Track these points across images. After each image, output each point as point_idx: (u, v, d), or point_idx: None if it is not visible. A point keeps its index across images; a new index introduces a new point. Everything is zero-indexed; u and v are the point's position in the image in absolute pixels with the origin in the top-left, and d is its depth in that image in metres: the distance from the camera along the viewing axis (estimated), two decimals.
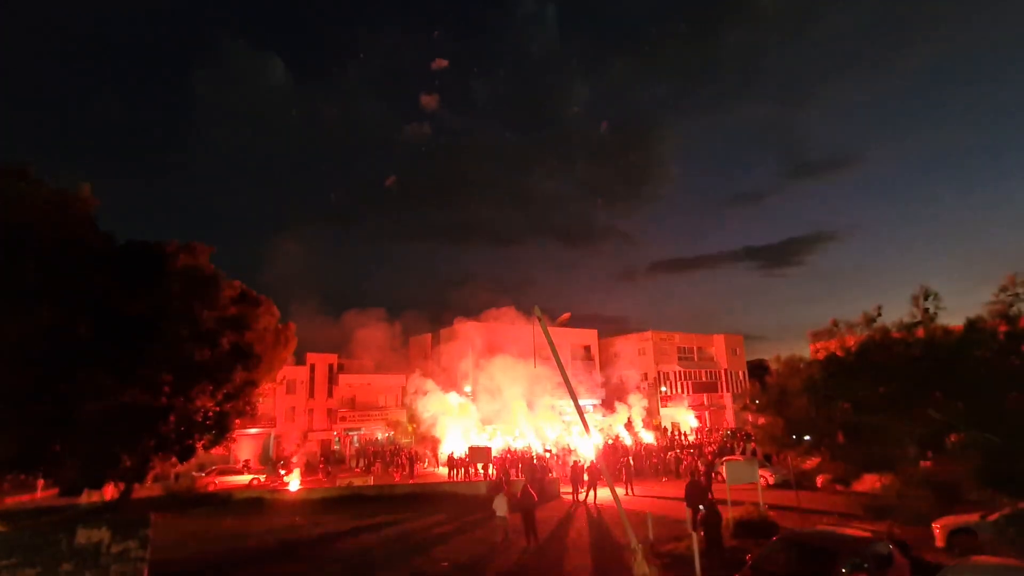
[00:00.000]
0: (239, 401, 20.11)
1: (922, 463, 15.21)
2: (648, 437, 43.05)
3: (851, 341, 15.10)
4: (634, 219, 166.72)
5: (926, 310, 13.56)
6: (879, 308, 14.27)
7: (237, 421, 20.76)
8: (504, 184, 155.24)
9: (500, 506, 16.08)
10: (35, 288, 15.16)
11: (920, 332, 13.71)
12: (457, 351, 45.57)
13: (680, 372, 55.94)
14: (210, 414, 19.15)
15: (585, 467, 23.90)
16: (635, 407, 47.28)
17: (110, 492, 22.14)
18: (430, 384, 42.06)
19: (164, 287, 17.74)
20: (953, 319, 14.10)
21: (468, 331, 45.99)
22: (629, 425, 45.03)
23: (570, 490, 23.75)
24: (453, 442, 37.35)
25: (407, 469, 33.61)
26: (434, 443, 39.04)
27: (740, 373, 59.73)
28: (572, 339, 54.29)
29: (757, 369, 54.99)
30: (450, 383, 43.32)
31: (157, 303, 17.36)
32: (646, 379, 54.60)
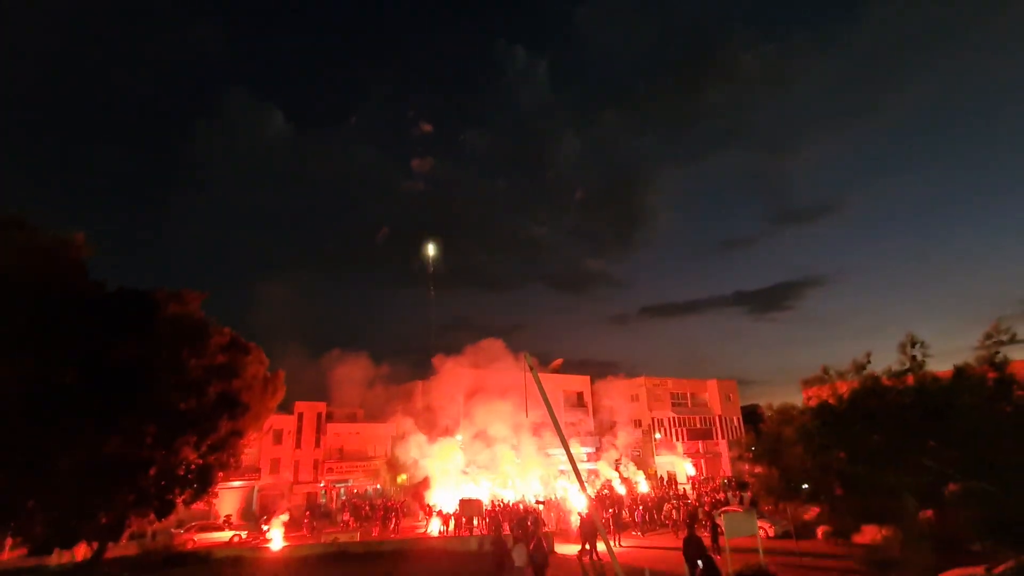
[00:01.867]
0: (223, 453, 19.55)
1: (922, 514, 14.97)
2: (643, 486, 42.03)
3: (843, 388, 15.15)
4: (625, 264, 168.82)
5: (914, 357, 13.73)
6: (868, 355, 14.44)
7: (220, 474, 20.11)
8: (496, 231, 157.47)
9: (520, 556, 15.75)
10: (22, 335, 14.97)
11: (910, 379, 13.82)
12: (446, 397, 44.86)
13: (674, 419, 55.24)
14: (192, 467, 18.57)
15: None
16: (628, 456, 46.32)
17: (82, 551, 21.04)
18: (418, 433, 41.16)
19: (152, 335, 17.56)
20: (942, 362, 14.29)
21: (456, 375, 45.44)
22: (621, 475, 44.04)
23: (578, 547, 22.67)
24: (443, 493, 36.21)
25: (393, 523, 32.38)
26: (422, 494, 37.84)
27: (735, 419, 59.07)
28: (564, 385, 53.73)
29: (752, 415, 54.54)
30: (439, 431, 42.44)
31: (144, 351, 17.13)
32: (639, 426, 53.83)
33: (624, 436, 48.78)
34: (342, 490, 43.91)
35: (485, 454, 40.62)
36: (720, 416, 58.94)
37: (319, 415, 44.44)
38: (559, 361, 56.49)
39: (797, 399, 17.74)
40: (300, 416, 43.58)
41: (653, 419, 54.29)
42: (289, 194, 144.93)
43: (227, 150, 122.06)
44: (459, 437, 42.47)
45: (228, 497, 38.68)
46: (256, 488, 40.91)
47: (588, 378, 56.56)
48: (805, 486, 16.47)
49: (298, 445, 43.08)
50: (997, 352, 13.56)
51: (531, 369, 12.52)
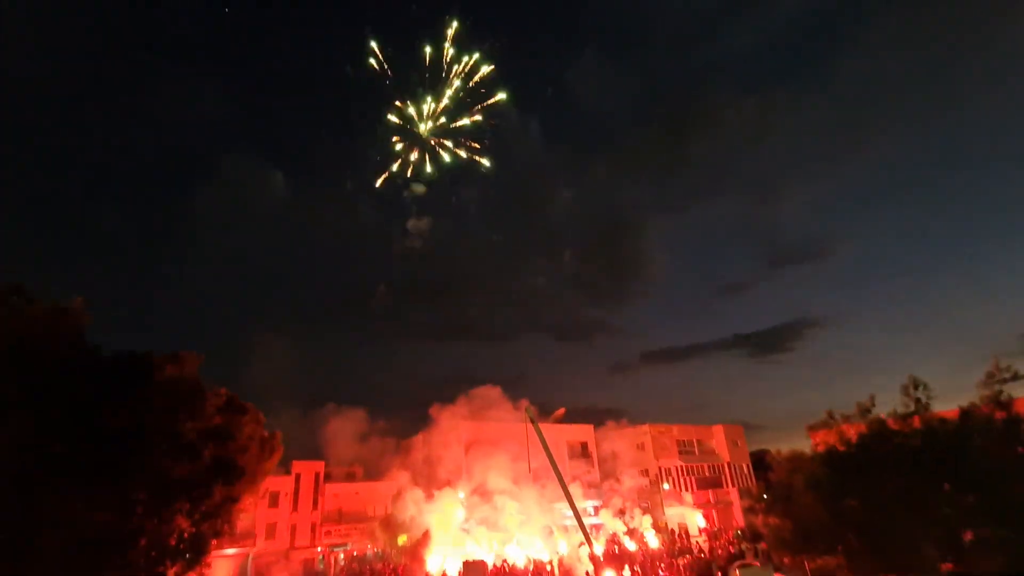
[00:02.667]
0: (217, 520, 18.90)
1: (942, 565, 14.36)
2: (653, 541, 40.40)
3: (850, 432, 14.90)
4: (624, 311, 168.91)
5: (918, 400, 13.58)
6: (872, 398, 14.29)
7: (214, 542, 19.36)
8: (494, 282, 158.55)
9: None
10: (15, 403, 14.80)
11: (916, 422, 13.62)
12: (445, 448, 43.79)
13: (682, 467, 53.75)
14: (185, 535, 17.89)
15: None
16: (636, 508, 44.76)
17: None
18: (416, 489, 39.93)
19: (147, 399, 17.35)
20: (945, 400, 14.15)
21: (455, 426, 44.57)
22: (628, 526, 42.42)
23: None
24: (444, 553, 34.71)
25: None
26: (422, 556, 36.25)
27: (744, 466, 57.50)
28: (567, 436, 52.54)
29: (761, 461, 53.15)
30: (439, 484, 41.18)
31: (138, 416, 16.88)
32: (647, 475, 52.30)
33: (630, 485, 47.28)
34: (341, 555, 42.13)
35: (486, 509, 39.29)
36: (729, 463, 57.47)
37: (317, 475, 43.25)
38: (561, 411, 55.47)
39: (804, 443, 17.42)
40: (297, 477, 42.39)
41: (660, 468, 52.86)
42: (288, 252, 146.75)
43: (227, 209, 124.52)
44: (460, 494, 41.20)
45: (221, 566, 37.02)
46: (251, 556, 39.25)
47: (591, 427, 55.43)
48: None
49: (295, 507, 41.68)
50: (1001, 391, 13.45)
51: (532, 420, 12.29)
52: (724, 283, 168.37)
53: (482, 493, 39.88)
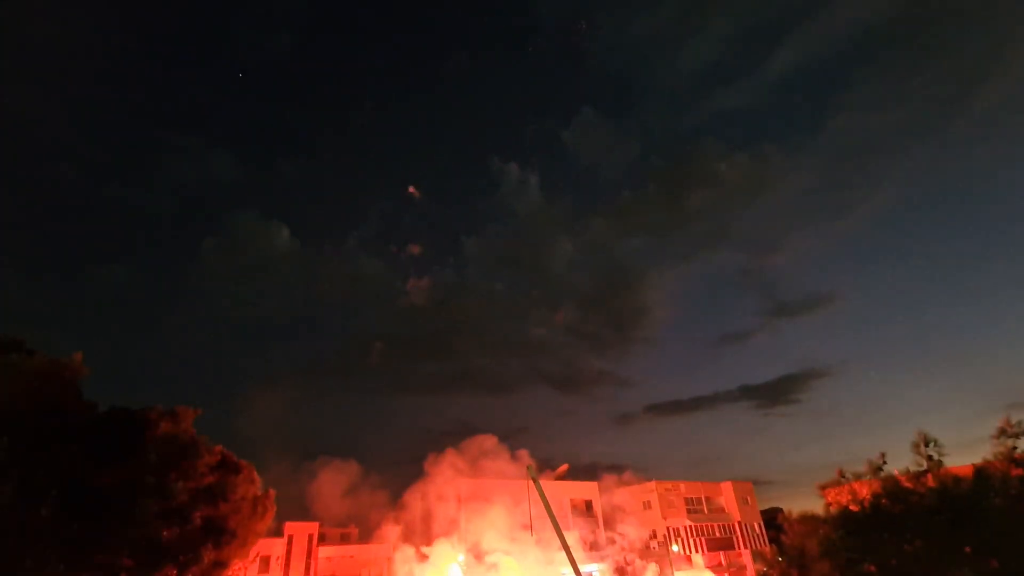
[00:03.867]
0: None
1: None
2: None
3: (862, 492, 14.44)
4: (627, 363, 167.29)
5: (930, 457, 13.25)
6: (883, 456, 13.93)
7: None
8: (495, 334, 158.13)
9: None
10: (5, 460, 14.48)
11: (930, 480, 13.22)
12: (442, 509, 42.22)
13: (691, 527, 51.62)
14: None
15: None
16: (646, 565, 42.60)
17: None
18: (409, 550, 38.24)
19: (139, 457, 16.97)
20: (959, 451, 13.89)
21: (454, 482, 43.16)
22: None
23: None
24: None
25: None
26: None
27: (755, 525, 55.22)
28: (571, 493, 50.77)
29: (772, 520, 51.11)
30: (436, 547, 39.44)
31: (129, 475, 16.45)
32: (655, 536, 50.13)
33: (634, 539, 45.21)
34: None
35: (483, 569, 37.47)
36: (740, 522, 55.23)
37: (310, 537, 41.51)
38: (564, 467, 53.88)
39: (815, 500, 16.86)
40: (290, 539, 40.67)
41: (668, 528, 50.75)
42: (290, 306, 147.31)
43: (232, 265, 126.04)
44: (460, 556, 39.42)
45: None
46: None
47: (596, 484, 53.64)
48: None
49: (287, 573, 39.76)
50: (1015, 447, 13.15)
51: (534, 479, 11.96)
52: (727, 334, 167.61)
53: (479, 553, 38.19)
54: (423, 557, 38.07)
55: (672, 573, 47.06)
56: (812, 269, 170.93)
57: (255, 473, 21.04)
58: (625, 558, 43.43)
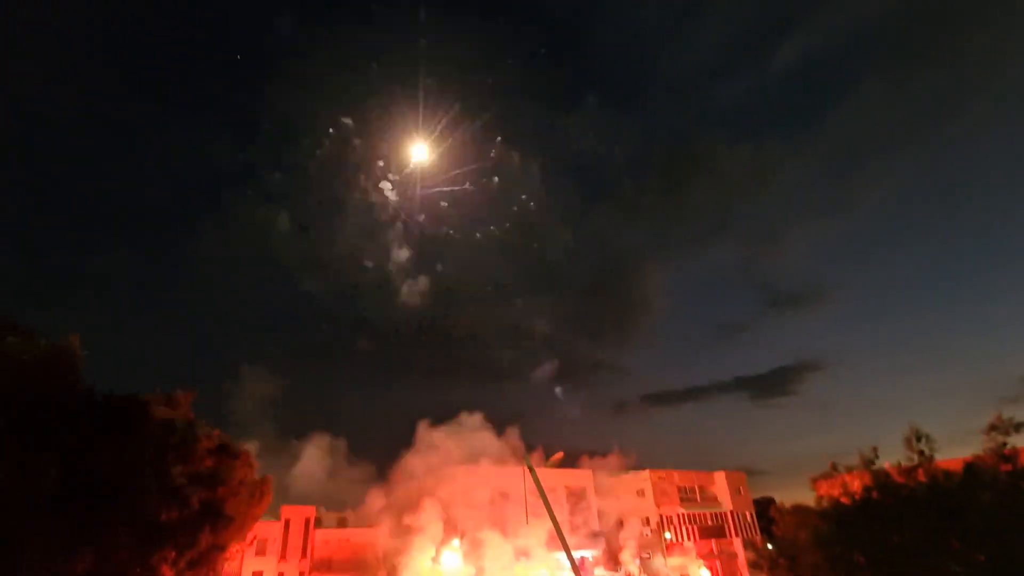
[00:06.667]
0: (203, 568, 18.25)
1: None
2: None
3: (854, 484, 14.61)
4: (623, 353, 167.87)
5: (921, 452, 13.40)
6: (875, 450, 14.09)
7: None
8: (494, 322, 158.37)
9: None
10: (4, 443, 14.54)
11: (921, 475, 13.38)
12: (438, 497, 42.58)
13: (684, 515, 52.21)
14: None
15: None
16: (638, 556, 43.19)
17: None
18: (413, 539, 38.62)
19: (138, 440, 17.04)
20: (950, 444, 14.02)
21: (451, 471, 43.49)
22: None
23: None
24: None
25: None
26: None
27: (748, 514, 55.85)
28: (566, 481, 51.24)
29: (764, 510, 51.73)
30: (433, 536, 39.86)
31: (128, 458, 16.54)
32: (648, 524, 50.72)
33: (632, 536, 45.87)
34: None
35: (483, 560, 37.92)
36: (732, 512, 55.87)
37: (307, 521, 41.89)
38: (559, 455, 54.23)
39: (807, 491, 17.08)
40: (287, 523, 41.04)
41: (662, 516, 51.35)
42: (289, 290, 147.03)
43: (231, 249, 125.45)
44: (455, 542, 39.88)
45: None
46: None
47: (591, 472, 54.13)
48: None
49: (283, 556, 40.17)
50: (1005, 443, 13.30)
51: (530, 469, 12.07)
52: (724, 325, 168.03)
53: (473, 539, 38.64)
54: (413, 534, 38.45)
55: (665, 559, 47.77)
56: (810, 262, 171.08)
57: (252, 459, 21.21)
58: (618, 544, 43.99)
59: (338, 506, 46.31)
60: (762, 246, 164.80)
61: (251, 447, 22.07)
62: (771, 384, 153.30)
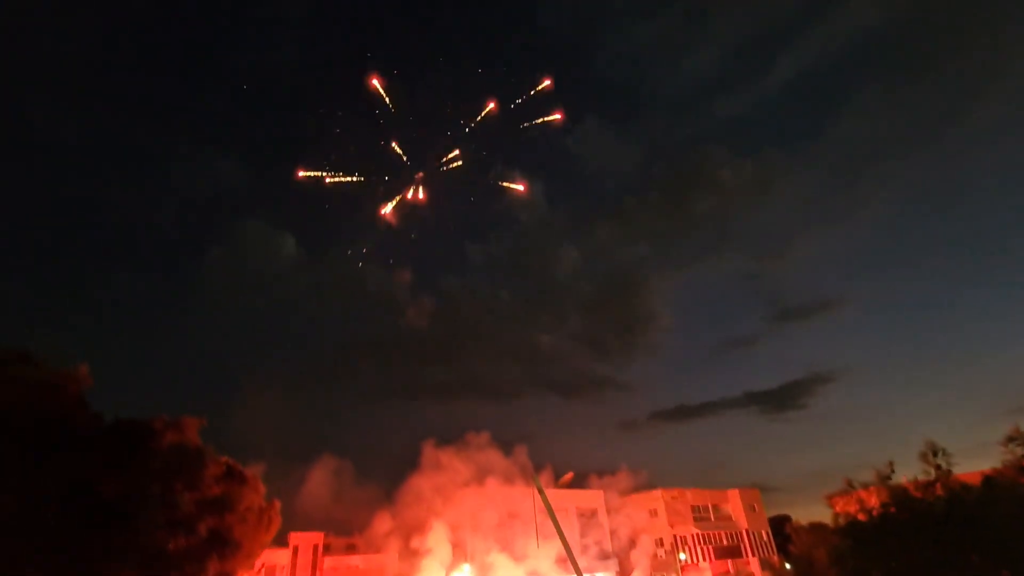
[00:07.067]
0: None
1: None
2: None
3: (871, 501, 14.31)
4: (631, 369, 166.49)
5: (938, 466, 13.14)
6: (891, 465, 13.82)
7: None
8: (499, 341, 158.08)
9: None
10: (10, 472, 14.54)
11: (939, 489, 13.10)
12: (446, 518, 41.93)
13: (698, 535, 51.13)
14: None
15: None
16: None
17: None
18: (421, 562, 37.95)
19: (145, 467, 17.01)
20: (967, 457, 13.73)
21: (459, 492, 42.87)
22: None
23: None
24: None
25: None
26: None
27: (763, 533, 54.58)
28: (576, 501, 50.37)
29: (780, 528, 50.61)
30: (442, 559, 39.17)
31: (136, 485, 16.49)
32: (661, 545, 49.69)
33: (645, 557, 44.91)
34: None
35: None
36: (747, 530, 54.70)
37: (316, 547, 41.36)
38: (569, 475, 53.48)
39: (823, 508, 16.74)
40: (295, 550, 40.52)
41: (675, 536, 50.35)
42: (296, 314, 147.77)
43: (238, 274, 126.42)
44: (466, 567, 39.22)
45: None
46: None
47: (602, 493, 53.24)
48: None
49: None
50: None
51: (539, 490, 11.92)
52: (731, 339, 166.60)
53: (484, 566, 37.95)
54: (421, 557, 37.81)
55: None
56: (816, 274, 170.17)
57: (260, 484, 21.05)
58: (630, 565, 43.06)
59: (345, 529, 45.67)
60: (766, 259, 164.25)
61: (257, 470, 21.92)
62: (782, 398, 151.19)
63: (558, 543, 28.70)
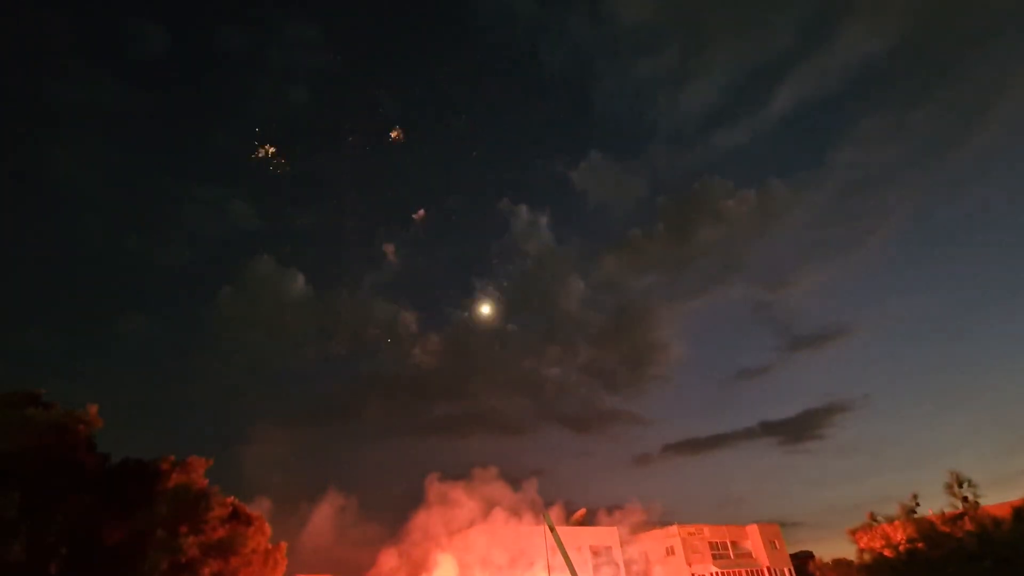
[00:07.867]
0: None
1: None
2: None
3: (895, 535, 13.74)
4: (643, 401, 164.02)
5: (965, 498, 12.64)
6: (915, 498, 13.31)
7: None
8: (508, 375, 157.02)
9: None
10: (15, 518, 14.37)
11: (967, 523, 12.57)
12: (456, 557, 40.75)
13: (718, 574, 49.29)
14: None
15: None
16: None
17: None
18: None
19: (151, 510, 16.79)
20: (993, 487, 13.21)
21: (467, 532, 41.81)
22: None
23: None
24: None
25: None
26: None
27: (785, 570, 52.46)
28: (590, 539, 48.83)
29: (803, 565, 48.73)
30: None
31: (139, 529, 16.24)
32: None
33: None
34: None
35: None
36: (769, 568, 52.67)
37: None
38: (582, 512, 52.15)
39: (845, 541, 16.10)
40: None
41: (693, 575, 48.54)
42: (305, 352, 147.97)
43: (248, 313, 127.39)
44: None
45: None
46: None
47: (616, 529, 51.71)
48: None
49: None
50: None
51: (551, 528, 11.58)
52: (744, 369, 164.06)
53: None
54: None
55: None
56: (826, 302, 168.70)
57: (266, 525, 20.65)
58: None
59: (352, 568, 44.49)
60: (775, 287, 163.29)
61: (263, 509, 21.55)
62: (799, 428, 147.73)
63: None
